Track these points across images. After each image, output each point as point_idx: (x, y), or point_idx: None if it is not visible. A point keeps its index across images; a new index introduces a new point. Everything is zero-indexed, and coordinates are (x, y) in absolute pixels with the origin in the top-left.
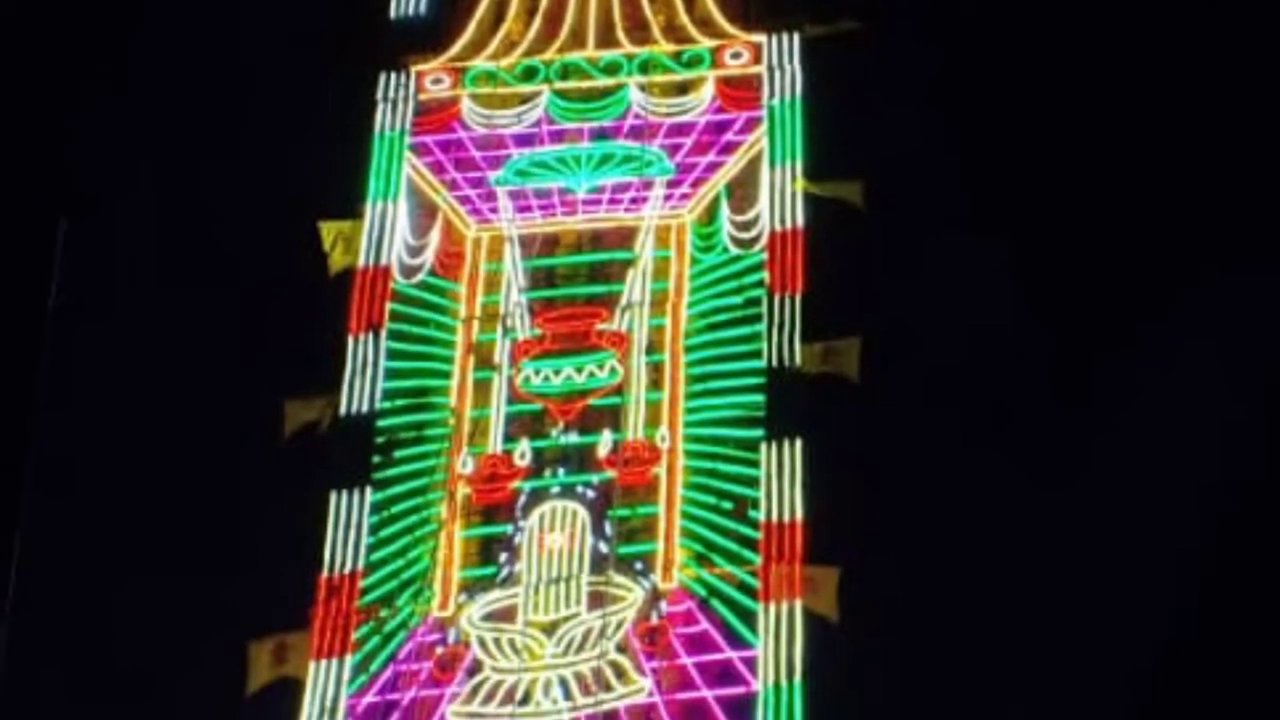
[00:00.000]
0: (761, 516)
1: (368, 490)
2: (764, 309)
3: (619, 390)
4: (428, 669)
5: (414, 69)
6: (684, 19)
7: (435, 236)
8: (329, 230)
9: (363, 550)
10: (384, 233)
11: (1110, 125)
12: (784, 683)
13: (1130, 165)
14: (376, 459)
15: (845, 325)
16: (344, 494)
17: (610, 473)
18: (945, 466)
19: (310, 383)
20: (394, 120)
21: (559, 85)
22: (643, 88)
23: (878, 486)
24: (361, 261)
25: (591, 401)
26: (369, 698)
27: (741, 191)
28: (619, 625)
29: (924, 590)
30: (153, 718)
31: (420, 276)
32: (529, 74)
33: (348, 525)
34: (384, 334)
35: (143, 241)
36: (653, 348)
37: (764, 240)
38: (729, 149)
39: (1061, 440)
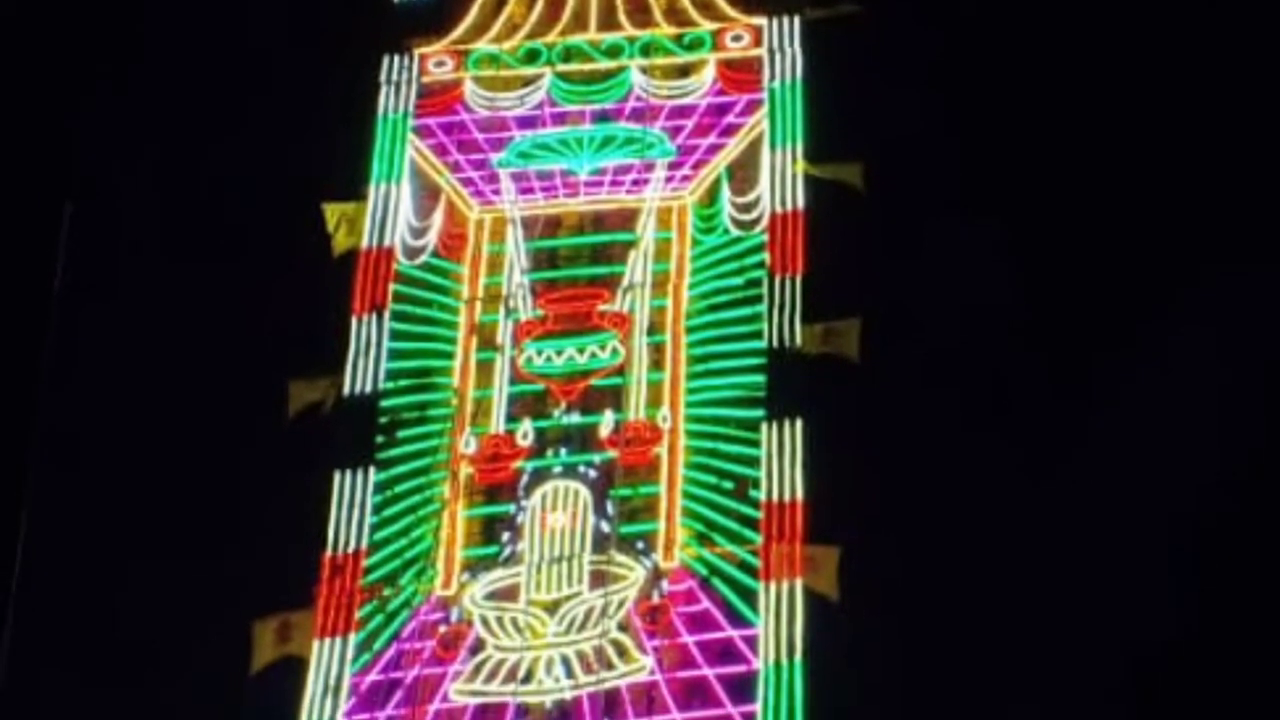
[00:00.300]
0: (762, 496)
1: (371, 470)
2: (764, 290)
3: (620, 371)
4: (431, 647)
5: (417, 52)
6: (685, 2)
7: (438, 218)
8: (333, 212)
9: (366, 529)
10: (387, 214)
11: (1109, 109)
12: (784, 661)
13: (1129, 149)
14: (380, 439)
15: (845, 306)
16: (347, 474)
17: (612, 453)
18: (945, 447)
19: (314, 363)
20: (397, 103)
21: (561, 68)
22: (644, 70)
23: (878, 466)
24: (365, 243)
25: (593, 382)
26: (372, 676)
27: (742, 173)
28: (621, 604)
29: (923, 570)
30: (157, 696)
31: (423, 258)
32: (531, 57)
33: (351, 505)
34: (387, 315)
35: (147, 224)
36: (654, 328)
37: (765, 222)
38: (730, 131)
39: (1060, 421)
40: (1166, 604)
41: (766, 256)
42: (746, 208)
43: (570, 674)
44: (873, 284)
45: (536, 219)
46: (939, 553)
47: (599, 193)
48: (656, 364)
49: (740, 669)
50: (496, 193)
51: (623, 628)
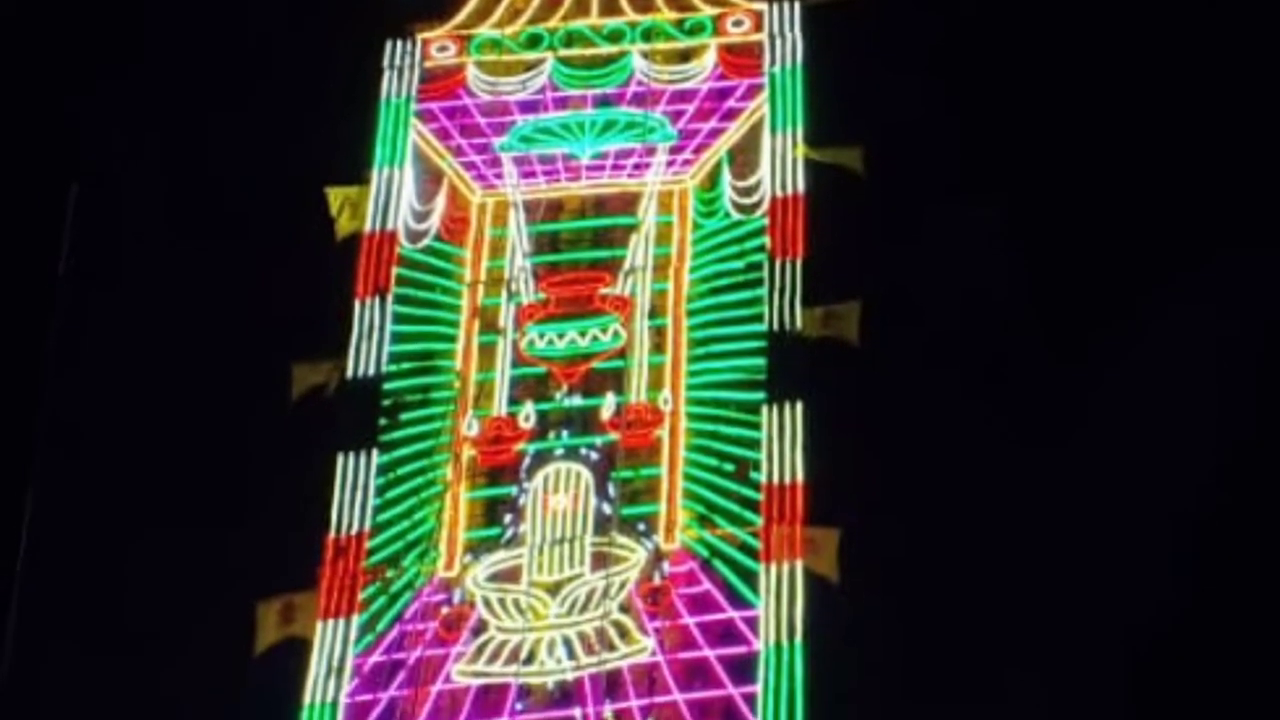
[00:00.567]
0: (763, 478)
1: (374, 452)
2: (765, 273)
3: (622, 354)
4: (433, 629)
5: (420, 36)
6: None
7: (441, 202)
8: (336, 196)
9: (369, 511)
10: (390, 198)
11: (1108, 92)
12: (785, 642)
13: (1128, 133)
14: (383, 421)
15: (845, 289)
16: (351, 456)
17: (613, 435)
18: (944, 429)
19: (317, 346)
20: (400, 87)
21: (563, 53)
22: (646, 55)
23: (878, 449)
24: (368, 227)
25: (595, 365)
26: (375, 657)
27: (743, 157)
28: (622, 585)
29: (923, 551)
30: (161, 677)
31: (426, 241)
32: (533, 41)
33: (354, 487)
34: (390, 298)
35: (151, 207)
36: (655, 312)
37: (765, 206)
38: (731, 115)
39: (1058, 403)
40: (1164, 583)
41: (767, 240)
42: (747, 191)
43: (572, 655)
44: (873, 267)
45: (538, 203)
46: (938, 534)
47: (600, 177)
48: (658, 347)
49: (741, 650)
50: (499, 177)
51: (624, 609)
